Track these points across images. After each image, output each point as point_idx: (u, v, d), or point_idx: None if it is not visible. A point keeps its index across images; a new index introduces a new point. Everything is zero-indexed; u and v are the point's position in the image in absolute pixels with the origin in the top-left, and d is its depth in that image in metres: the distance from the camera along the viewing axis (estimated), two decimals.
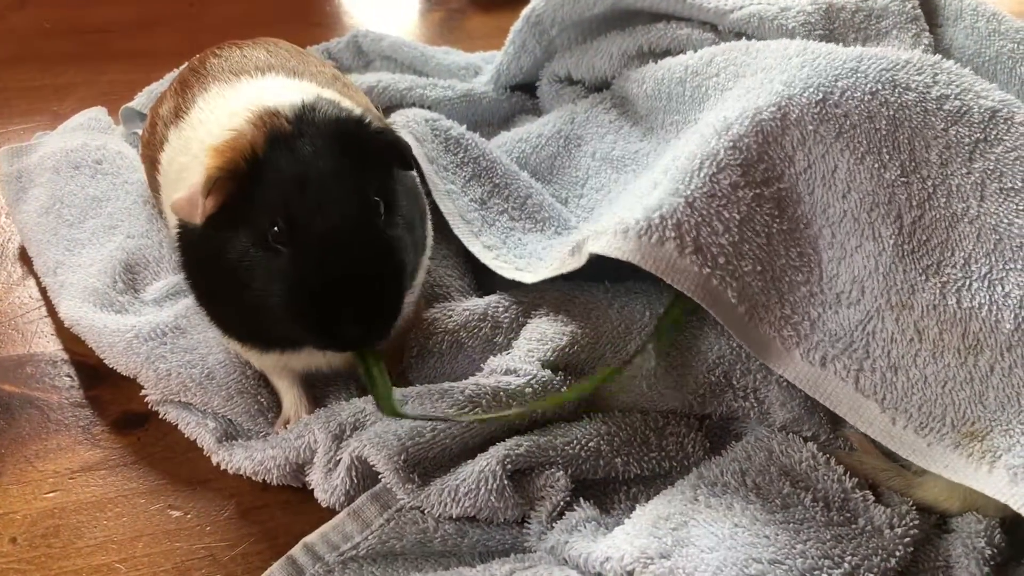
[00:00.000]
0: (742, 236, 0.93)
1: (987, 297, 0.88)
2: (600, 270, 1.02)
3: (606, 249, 0.93)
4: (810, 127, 0.94)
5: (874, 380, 0.91)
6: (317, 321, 0.82)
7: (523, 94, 1.50)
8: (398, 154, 0.90)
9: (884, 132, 0.94)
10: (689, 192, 0.92)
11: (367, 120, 0.89)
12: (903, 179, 0.93)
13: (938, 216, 0.92)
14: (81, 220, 1.25)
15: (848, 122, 0.94)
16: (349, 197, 0.83)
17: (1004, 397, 0.86)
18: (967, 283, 0.90)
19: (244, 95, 0.95)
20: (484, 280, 1.18)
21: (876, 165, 0.93)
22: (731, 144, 0.94)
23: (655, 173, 1.06)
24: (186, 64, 1.14)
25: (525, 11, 1.41)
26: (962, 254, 0.91)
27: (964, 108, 0.94)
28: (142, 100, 1.47)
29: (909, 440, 0.88)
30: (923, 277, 0.91)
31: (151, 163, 1.09)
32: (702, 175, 0.93)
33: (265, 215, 0.82)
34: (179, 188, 0.94)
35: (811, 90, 0.96)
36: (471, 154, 1.22)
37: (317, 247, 0.82)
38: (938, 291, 0.90)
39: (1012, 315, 0.87)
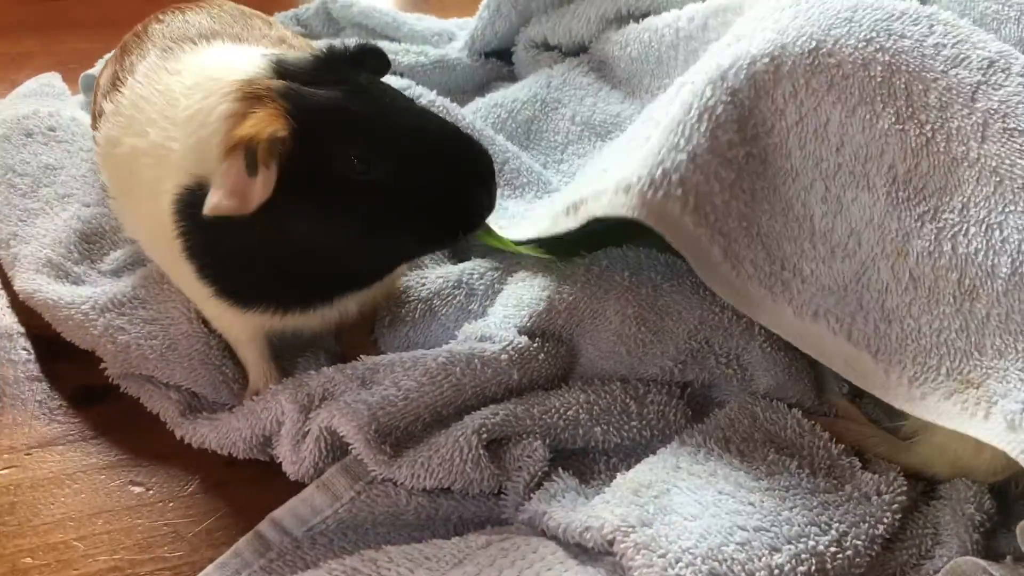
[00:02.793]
0: (732, 194, 0.90)
1: (983, 242, 0.86)
2: (576, 238, 0.99)
3: (608, 208, 0.89)
4: (802, 80, 0.91)
5: (867, 332, 0.88)
6: (460, 206, 0.85)
7: (498, 60, 1.46)
8: (384, 58, 0.93)
9: (879, 80, 0.91)
10: (691, 148, 0.89)
11: (337, 45, 0.89)
12: (898, 126, 0.90)
13: (936, 162, 0.89)
14: (34, 189, 1.19)
15: (840, 72, 0.91)
16: (400, 97, 0.87)
17: (1001, 344, 0.84)
18: (964, 228, 0.87)
19: (189, 67, 0.91)
20: (459, 249, 1.14)
21: (868, 116, 0.90)
22: (728, 98, 0.90)
23: (646, 127, 1.03)
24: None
25: None
26: (960, 198, 0.88)
27: (962, 56, 0.92)
28: (102, 68, 1.42)
29: (903, 391, 0.86)
30: (919, 224, 0.88)
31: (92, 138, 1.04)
32: (702, 130, 0.89)
33: (336, 155, 0.80)
34: (130, 169, 0.91)
35: (804, 39, 0.92)
36: None
37: (413, 152, 0.83)
38: (933, 237, 0.88)
39: (1009, 260, 0.84)
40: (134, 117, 0.91)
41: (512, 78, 1.43)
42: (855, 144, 0.90)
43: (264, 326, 0.94)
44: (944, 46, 0.92)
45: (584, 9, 1.32)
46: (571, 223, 0.95)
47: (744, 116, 0.91)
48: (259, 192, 0.77)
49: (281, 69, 0.85)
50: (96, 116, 0.99)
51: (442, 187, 0.84)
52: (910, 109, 0.90)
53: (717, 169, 0.89)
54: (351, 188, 0.82)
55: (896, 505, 0.84)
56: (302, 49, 1.08)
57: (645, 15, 1.27)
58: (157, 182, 0.87)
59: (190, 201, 0.84)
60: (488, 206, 0.87)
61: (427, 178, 0.84)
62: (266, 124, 0.78)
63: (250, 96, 0.80)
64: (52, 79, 1.41)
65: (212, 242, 0.86)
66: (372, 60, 0.91)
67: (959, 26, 0.94)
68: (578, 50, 1.35)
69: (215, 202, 0.77)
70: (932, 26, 0.94)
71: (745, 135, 0.91)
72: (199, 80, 0.86)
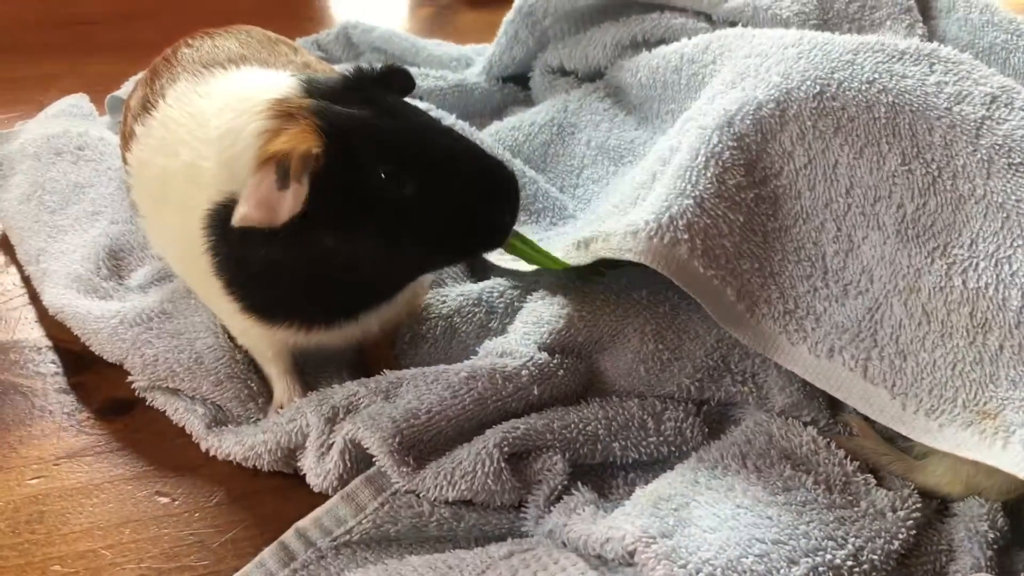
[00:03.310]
0: (743, 237, 0.93)
1: (994, 276, 0.87)
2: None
3: (616, 251, 0.93)
4: (808, 123, 0.94)
5: (883, 368, 0.90)
6: (484, 222, 0.88)
7: (515, 85, 1.49)
8: (409, 78, 0.96)
9: (883, 121, 0.93)
10: (698, 193, 0.92)
11: (365, 66, 0.92)
12: (904, 167, 0.92)
13: (943, 200, 0.91)
14: (63, 207, 1.22)
15: (846, 115, 0.94)
16: (426, 116, 0.90)
17: (1015, 375, 0.85)
18: (973, 263, 0.89)
19: (219, 89, 0.93)
20: (479, 265, 1.17)
21: (875, 157, 0.93)
22: (735, 143, 0.94)
23: (650, 161, 1.05)
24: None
25: (517, 1, 1.40)
26: (969, 234, 0.90)
27: (964, 93, 0.94)
28: (128, 89, 1.45)
29: (920, 424, 0.88)
30: (929, 260, 0.90)
31: (122, 158, 1.07)
32: (708, 175, 0.93)
33: (367, 172, 0.83)
34: (161, 189, 0.93)
35: (808, 83, 0.95)
36: None
37: (441, 170, 0.85)
38: (944, 273, 0.90)
39: (1020, 293, 0.86)
40: (165, 139, 0.93)
41: (529, 102, 1.46)
42: (864, 185, 0.93)
43: (289, 342, 0.96)
44: (946, 84, 0.94)
45: (600, 36, 1.35)
46: (582, 259, 0.98)
47: (751, 160, 0.94)
48: (289, 206, 0.79)
49: (311, 88, 0.87)
50: (126, 138, 1.02)
51: (468, 204, 0.87)
52: (915, 149, 0.92)
53: (726, 212, 0.92)
54: (380, 204, 0.84)
55: (911, 521, 0.85)
56: (326, 74, 1.11)
57: (659, 42, 1.29)
58: (188, 200, 0.89)
59: (220, 216, 0.86)
60: (511, 223, 0.89)
61: (453, 195, 0.86)
62: (300, 140, 0.80)
63: (283, 114, 0.83)
64: (80, 100, 1.43)
65: (240, 257, 0.88)
66: (398, 80, 0.94)
67: (960, 63, 0.97)
68: (594, 76, 1.37)
69: (244, 212, 0.79)
70: (933, 64, 0.96)
71: (754, 178, 0.94)
72: (229, 101, 0.89)
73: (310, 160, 0.80)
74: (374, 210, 0.84)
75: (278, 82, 0.89)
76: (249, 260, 0.88)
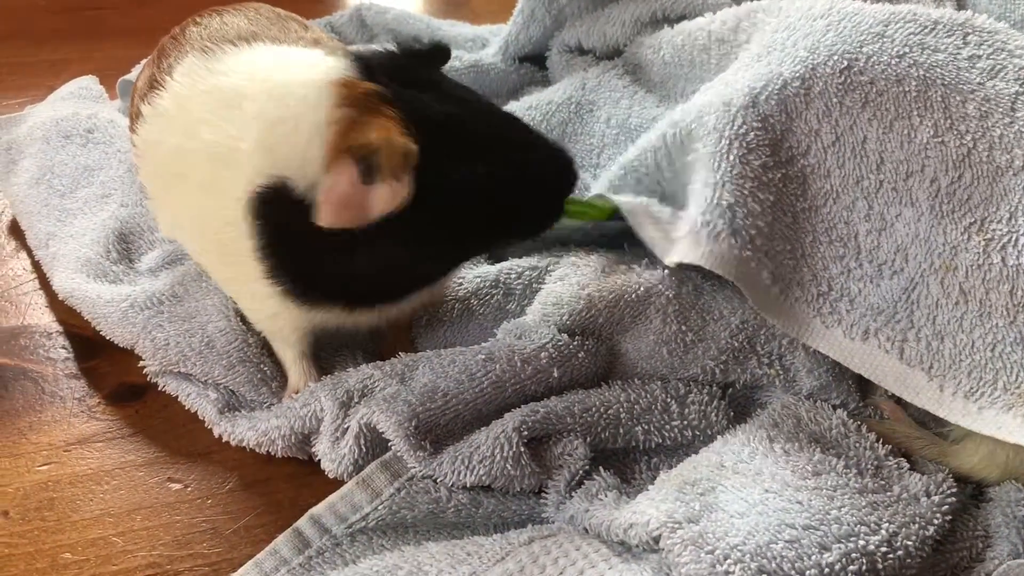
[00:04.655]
0: (775, 216, 0.90)
1: None
2: (619, 232, 0.98)
3: (641, 230, 0.91)
4: (835, 99, 0.91)
5: (919, 349, 0.87)
6: (547, 208, 0.89)
7: (532, 65, 1.45)
8: (449, 55, 0.94)
9: (914, 94, 0.90)
10: (718, 177, 0.89)
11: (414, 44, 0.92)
12: (937, 139, 0.89)
13: (979, 172, 0.87)
14: (72, 190, 1.20)
15: (874, 89, 0.90)
16: (483, 99, 0.90)
17: None
18: (1013, 238, 0.85)
19: (242, 66, 0.90)
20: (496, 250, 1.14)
21: (906, 130, 0.89)
22: (759, 124, 0.91)
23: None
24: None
25: None
26: (1007, 208, 0.86)
27: (998, 67, 0.90)
28: (139, 71, 1.43)
29: (959, 406, 0.85)
30: (965, 236, 0.87)
31: (130, 140, 1.04)
32: (731, 158, 0.90)
33: (448, 169, 0.81)
34: (175, 170, 0.90)
35: (835, 58, 0.92)
36: None
37: (514, 159, 0.85)
38: (981, 250, 0.86)
39: None
40: (177, 118, 0.91)
41: (546, 82, 1.43)
42: (895, 160, 0.89)
43: (320, 323, 0.93)
44: (979, 58, 0.91)
45: (618, 13, 1.31)
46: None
47: (776, 139, 0.91)
48: (384, 204, 0.77)
49: (366, 69, 0.83)
50: (133, 118, 0.99)
51: (536, 194, 0.87)
52: (948, 120, 0.89)
53: (754, 191, 0.89)
54: (456, 197, 0.82)
55: (946, 507, 0.82)
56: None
57: (680, 19, 1.25)
58: (216, 181, 0.85)
59: (268, 201, 0.82)
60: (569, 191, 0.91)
61: (524, 187, 0.86)
62: (394, 133, 0.76)
63: (354, 101, 0.79)
64: (90, 83, 1.42)
65: (294, 246, 0.84)
66: (443, 58, 0.92)
67: (996, 32, 0.93)
68: (612, 54, 1.34)
69: (329, 216, 0.76)
70: (967, 35, 0.92)
71: (780, 158, 0.91)
72: (265, 81, 0.85)
73: (411, 159, 0.76)
74: (452, 205, 0.82)
75: (319, 61, 0.85)
76: (305, 249, 0.84)
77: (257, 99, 0.83)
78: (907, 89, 0.90)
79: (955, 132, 0.88)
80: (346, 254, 0.83)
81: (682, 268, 0.99)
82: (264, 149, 0.81)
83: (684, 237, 0.90)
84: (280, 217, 0.81)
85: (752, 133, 0.90)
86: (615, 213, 0.98)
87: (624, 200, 0.97)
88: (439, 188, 0.80)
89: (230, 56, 0.93)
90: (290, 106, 0.81)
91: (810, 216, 0.91)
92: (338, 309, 0.89)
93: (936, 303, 0.87)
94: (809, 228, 0.91)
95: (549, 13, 1.38)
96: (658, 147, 0.98)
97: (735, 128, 0.91)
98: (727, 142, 0.90)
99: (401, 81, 0.83)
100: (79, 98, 1.37)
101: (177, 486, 0.92)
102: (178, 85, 0.92)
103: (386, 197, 0.76)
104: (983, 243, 0.86)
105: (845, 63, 0.91)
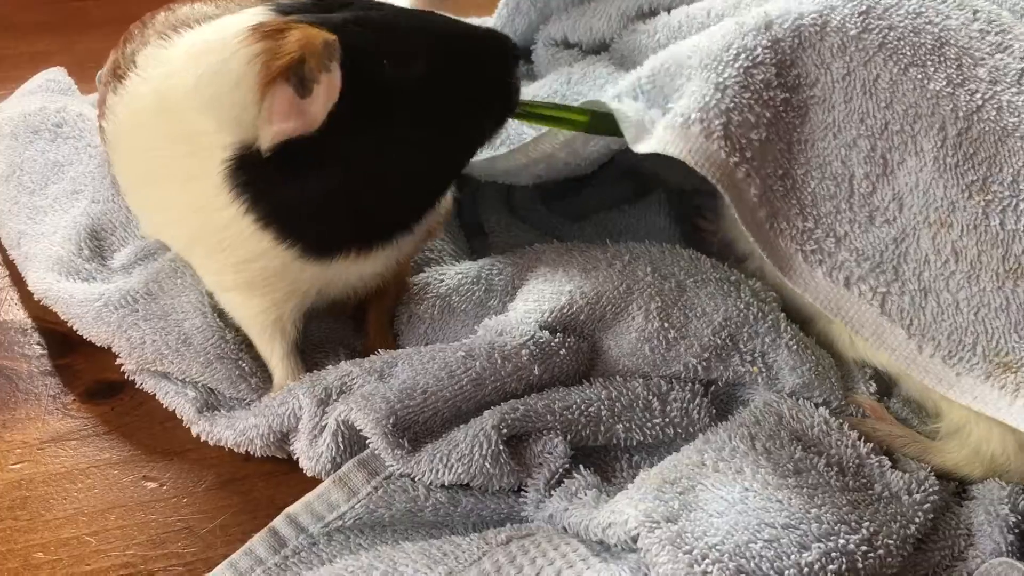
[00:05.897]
0: (769, 136, 0.88)
1: None
2: (601, 228, 0.97)
3: (625, 127, 0.89)
4: (852, 33, 0.90)
5: (902, 304, 0.86)
6: (495, 84, 0.90)
7: None
8: None
9: (930, 46, 0.89)
10: (721, 80, 0.88)
11: None
12: (949, 90, 0.88)
13: (987, 129, 0.87)
14: (43, 187, 1.18)
15: (893, 34, 0.90)
16: (405, 9, 0.91)
17: None
18: (1013, 203, 0.85)
19: (183, 45, 0.89)
20: (478, 246, 1.14)
21: (921, 77, 0.89)
22: (769, 44, 0.90)
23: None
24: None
25: None
26: (1011, 170, 0.86)
27: (1006, 44, 0.91)
28: None
29: (936, 369, 0.84)
30: (966, 194, 0.86)
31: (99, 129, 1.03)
32: (736, 66, 0.89)
33: (370, 66, 0.82)
34: (146, 159, 0.89)
35: (855, 2, 0.91)
36: None
37: (440, 43, 0.86)
38: (981, 211, 0.86)
39: None
40: (141, 107, 0.89)
41: (531, 77, 1.41)
42: (905, 103, 0.88)
43: (332, 280, 0.93)
44: (988, 32, 0.91)
45: (604, 6, 1.30)
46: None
47: (784, 61, 0.90)
48: (324, 100, 0.78)
49: (282, 10, 0.84)
50: (100, 105, 0.98)
51: (476, 71, 0.89)
52: (961, 77, 0.88)
53: (751, 104, 0.88)
54: (396, 92, 0.83)
55: (928, 505, 0.82)
56: None
57: (668, 11, 1.25)
58: (189, 165, 0.85)
59: (247, 170, 0.82)
60: (518, 80, 0.93)
61: (459, 65, 0.88)
62: (309, 34, 0.77)
63: (268, 35, 0.79)
64: (58, 74, 1.39)
65: (289, 200, 0.85)
66: None
67: (1001, 15, 0.94)
68: (599, 48, 1.32)
69: (273, 129, 0.78)
70: (976, 13, 0.93)
71: (785, 80, 0.90)
72: (200, 49, 0.85)
73: (333, 47, 0.77)
74: (392, 100, 0.83)
75: (237, 19, 0.85)
76: (301, 199, 0.85)
77: (191, 75, 0.83)
78: (923, 41, 0.89)
79: (967, 89, 0.88)
80: (338, 186, 0.85)
81: (665, 265, 0.98)
82: (214, 120, 0.81)
83: (669, 128, 0.87)
84: (264, 181, 0.82)
85: (760, 50, 0.89)
86: (589, 126, 0.96)
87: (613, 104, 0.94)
88: (380, 87, 0.82)
89: (177, 41, 0.91)
90: (214, 66, 0.81)
91: (806, 148, 0.90)
92: (351, 256, 0.90)
93: (925, 258, 0.87)
94: (803, 160, 0.90)
95: (534, 6, 1.37)
96: (667, 63, 0.96)
97: (744, 41, 0.90)
98: (735, 51, 0.89)
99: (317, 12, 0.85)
100: (47, 91, 1.34)
101: (152, 484, 0.91)
102: (136, 76, 0.90)
103: (323, 92, 0.77)
104: (983, 203, 0.86)
105: (864, 7, 0.91)
